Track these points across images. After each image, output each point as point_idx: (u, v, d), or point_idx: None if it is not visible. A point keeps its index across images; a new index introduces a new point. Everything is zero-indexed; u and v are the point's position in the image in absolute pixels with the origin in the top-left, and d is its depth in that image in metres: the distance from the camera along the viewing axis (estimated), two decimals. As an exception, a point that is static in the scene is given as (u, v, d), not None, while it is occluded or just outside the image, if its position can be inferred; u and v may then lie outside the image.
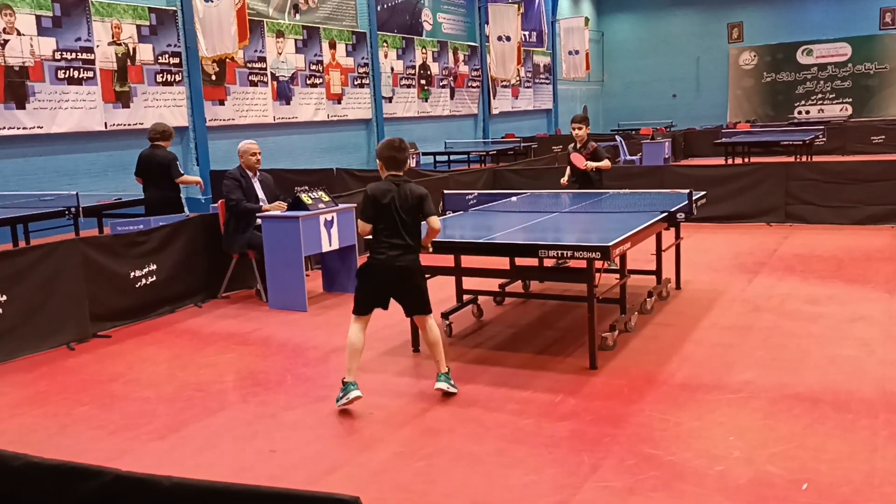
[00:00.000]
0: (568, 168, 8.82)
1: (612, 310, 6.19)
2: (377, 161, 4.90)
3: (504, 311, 6.98)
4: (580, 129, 8.57)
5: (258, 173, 7.82)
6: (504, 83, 26.95)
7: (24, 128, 12.34)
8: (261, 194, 7.73)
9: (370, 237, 4.88)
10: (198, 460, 4.20)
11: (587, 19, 30.10)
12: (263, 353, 6.08)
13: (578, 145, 8.59)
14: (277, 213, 7.40)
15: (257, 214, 7.49)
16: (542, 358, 5.59)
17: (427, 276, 5.10)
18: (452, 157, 21.98)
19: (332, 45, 19.23)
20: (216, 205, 8.06)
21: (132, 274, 7.08)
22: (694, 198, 6.71)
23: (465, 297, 6.68)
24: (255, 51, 16.87)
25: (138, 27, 14.16)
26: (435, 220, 4.82)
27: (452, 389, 4.90)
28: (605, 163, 8.59)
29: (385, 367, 5.58)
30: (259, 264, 7.62)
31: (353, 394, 4.71)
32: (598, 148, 8.62)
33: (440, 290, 7.03)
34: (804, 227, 10.58)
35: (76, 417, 4.90)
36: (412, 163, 19.46)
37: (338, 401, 4.76)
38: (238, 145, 7.93)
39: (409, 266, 4.79)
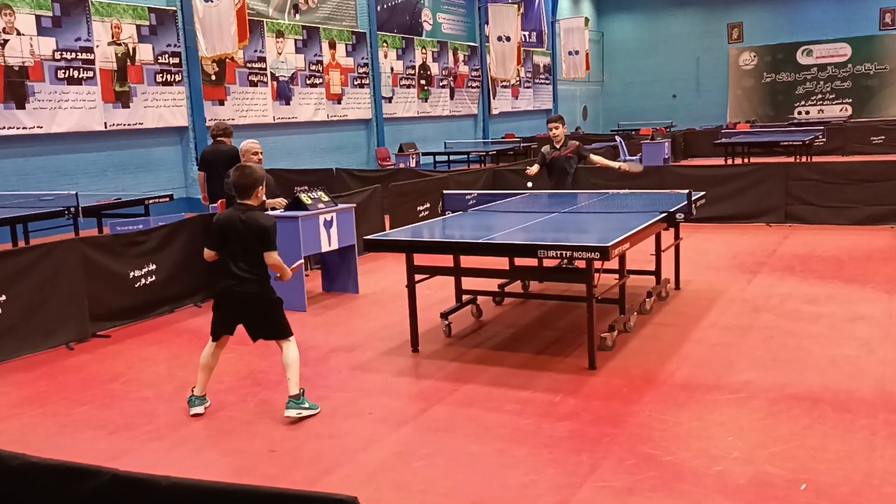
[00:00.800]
0: (536, 166, 8.59)
1: (611, 310, 6.19)
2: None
3: (503, 312, 6.98)
4: (557, 128, 8.50)
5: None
6: (504, 83, 26.96)
7: (23, 128, 12.34)
8: (261, 194, 7.72)
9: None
10: (197, 460, 4.20)
11: (587, 19, 30.12)
12: (262, 353, 6.08)
13: (558, 145, 8.49)
14: (278, 211, 7.40)
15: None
16: (541, 358, 5.59)
17: (425, 276, 5.07)
18: (452, 158, 21.99)
19: (332, 45, 19.23)
20: (216, 205, 8.06)
21: (132, 274, 7.08)
22: (693, 198, 6.71)
23: (465, 297, 6.68)
24: (255, 51, 16.87)
25: (138, 27, 14.17)
26: (272, 256, 4.64)
27: (304, 414, 4.68)
28: (600, 158, 8.63)
29: (384, 367, 5.58)
30: (259, 264, 7.60)
31: (195, 409, 4.82)
32: (578, 146, 8.63)
33: (440, 290, 7.04)
34: (804, 227, 10.59)
35: (76, 417, 4.90)
36: (412, 163, 19.49)
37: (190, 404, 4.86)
38: (239, 146, 7.92)
39: (251, 294, 4.68)
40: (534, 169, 8.46)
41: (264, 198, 5.00)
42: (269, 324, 4.78)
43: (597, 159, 8.63)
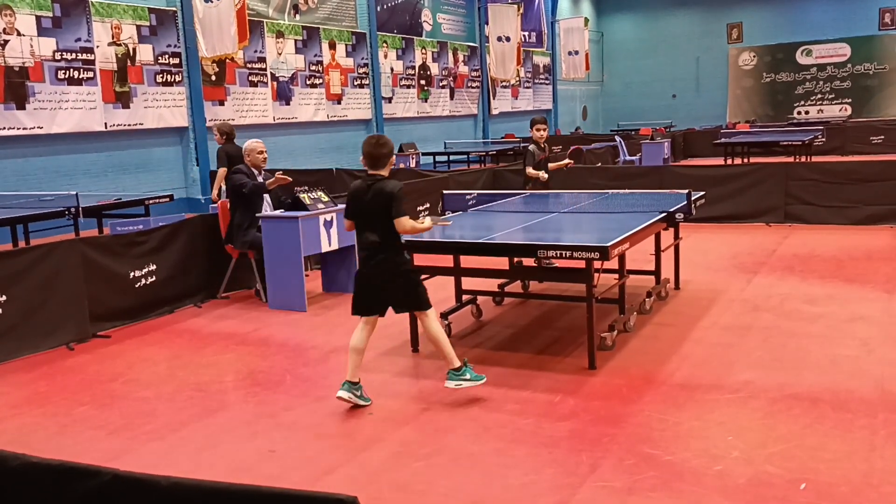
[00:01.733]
0: (529, 171, 8.60)
1: (611, 310, 6.19)
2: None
3: (503, 312, 6.98)
4: (545, 129, 8.57)
5: (263, 172, 7.81)
6: (504, 83, 26.96)
7: (24, 128, 12.34)
8: (265, 194, 7.72)
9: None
10: (197, 460, 4.20)
11: (587, 19, 30.12)
12: (263, 354, 6.08)
13: (542, 146, 8.52)
14: (278, 213, 7.41)
15: (258, 215, 7.49)
16: (541, 358, 5.59)
17: (424, 276, 5.08)
18: (452, 158, 21.98)
19: (332, 46, 19.24)
20: (216, 205, 8.06)
21: (132, 274, 7.09)
22: (693, 198, 6.71)
23: (465, 297, 6.68)
24: (255, 51, 16.88)
25: (138, 27, 14.17)
26: (401, 223, 4.64)
27: (463, 385, 4.77)
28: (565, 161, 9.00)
29: (384, 367, 5.58)
30: (258, 264, 7.62)
31: (342, 393, 4.74)
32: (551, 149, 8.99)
33: (440, 290, 7.03)
34: (804, 227, 10.59)
35: (76, 417, 4.90)
36: (412, 163, 19.48)
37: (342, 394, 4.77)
38: (244, 145, 7.92)
39: (382, 264, 4.68)
40: (543, 174, 8.50)
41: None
42: (405, 295, 4.76)
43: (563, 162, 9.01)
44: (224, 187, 9.15)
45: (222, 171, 9.57)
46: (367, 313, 4.83)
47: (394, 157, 4.85)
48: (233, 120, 16.33)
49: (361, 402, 4.77)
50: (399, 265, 4.76)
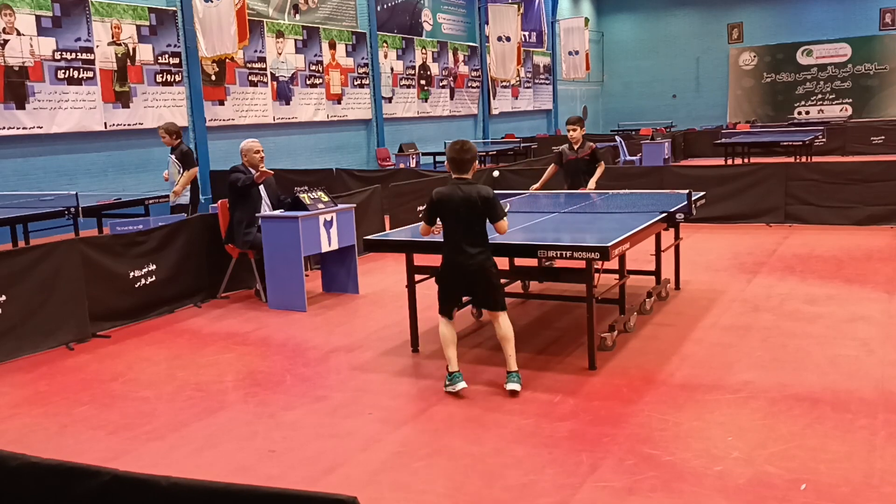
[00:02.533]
0: (546, 172, 8.66)
1: (611, 310, 6.19)
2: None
3: (503, 312, 6.97)
4: (574, 130, 8.44)
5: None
6: (504, 83, 26.95)
7: (23, 128, 12.34)
8: (263, 192, 7.72)
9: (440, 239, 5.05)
10: (197, 460, 4.20)
11: (587, 20, 30.11)
12: (263, 354, 6.08)
13: (575, 146, 8.50)
14: (278, 213, 7.41)
15: (258, 215, 7.49)
16: (541, 358, 5.59)
17: (425, 276, 5.12)
18: (452, 158, 21.92)
19: (332, 46, 19.23)
20: (216, 205, 8.06)
21: (132, 274, 7.09)
22: (693, 198, 6.71)
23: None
24: (255, 51, 16.87)
25: (138, 27, 14.17)
26: (503, 226, 4.90)
27: (517, 387, 4.91)
28: (599, 170, 8.51)
29: (384, 368, 5.58)
30: (258, 264, 7.62)
31: (459, 385, 4.90)
32: (595, 149, 8.54)
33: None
34: (804, 227, 10.59)
35: (76, 417, 4.90)
36: (412, 163, 19.49)
37: (445, 387, 4.97)
38: (240, 145, 7.93)
39: (479, 266, 4.89)
40: (537, 185, 8.53)
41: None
42: (492, 294, 4.98)
43: (597, 175, 8.53)
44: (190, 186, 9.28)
45: (194, 171, 9.37)
46: (451, 312, 5.05)
47: (477, 161, 5.04)
48: (232, 120, 16.35)
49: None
50: (494, 267, 5.00)
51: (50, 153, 12.91)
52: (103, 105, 13.56)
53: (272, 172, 7.64)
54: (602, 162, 8.59)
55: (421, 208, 10.76)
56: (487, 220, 4.90)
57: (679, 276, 7.52)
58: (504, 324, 5.00)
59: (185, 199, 9.39)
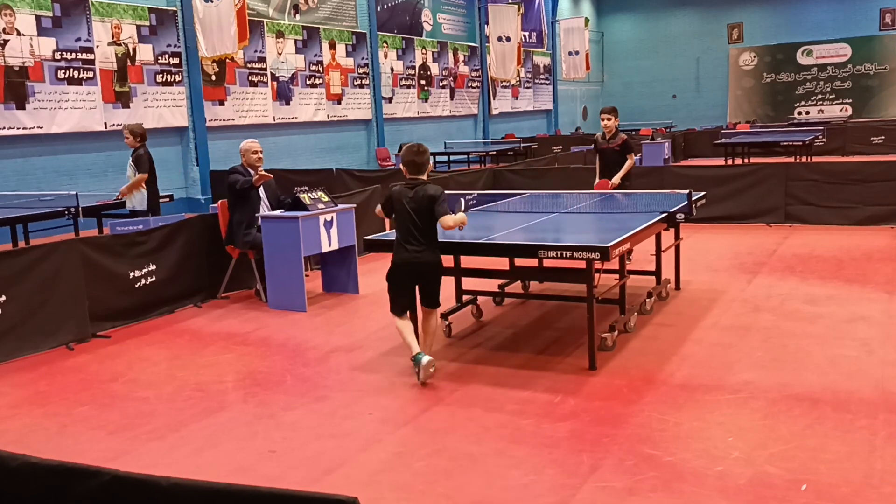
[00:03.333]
0: (598, 165, 8.79)
1: (611, 310, 6.19)
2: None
3: (503, 312, 6.98)
4: (609, 119, 8.57)
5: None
6: (504, 83, 26.96)
7: (23, 128, 12.34)
8: (262, 193, 7.72)
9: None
10: (197, 460, 4.20)
11: (587, 20, 30.12)
12: (263, 354, 6.08)
13: (608, 136, 8.58)
14: (278, 213, 7.40)
15: (258, 215, 7.48)
16: (541, 358, 5.59)
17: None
18: (452, 158, 21.99)
19: (332, 46, 19.24)
20: (216, 205, 8.06)
21: (132, 274, 7.08)
22: (693, 198, 6.71)
23: (465, 297, 6.68)
24: (255, 51, 16.88)
25: (138, 27, 14.17)
26: (447, 220, 5.06)
27: (424, 372, 5.08)
28: (627, 164, 8.55)
29: (385, 368, 5.58)
30: (259, 264, 7.62)
31: (425, 359, 5.07)
32: (626, 140, 8.62)
33: (440, 290, 7.03)
34: (804, 227, 10.58)
35: (76, 417, 4.90)
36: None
37: (418, 376, 5.13)
38: (239, 145, 7.93)
39: (428, 263, 5.20)
40: (598, 172, 8.77)
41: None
42: (436, 291, 5.33)
43: (624, 170, 8.56)
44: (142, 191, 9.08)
45: (142, 177, 9.04)
46: (402, 311, 5.28)
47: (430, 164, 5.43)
48: (232, 120, 16.35)
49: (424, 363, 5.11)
50: (439, 262, 5.28)
51: (50, 153, 12.92)
52: (103, 105, 13.56)
53: (271, 176, 7.64)
54: (631, 154, 8.62)
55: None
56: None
57: (679, 277, 7.52)
58: (434, 321, 5.40)
59: (141, 204, 9.07)
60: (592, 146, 8.96)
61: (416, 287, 5.32)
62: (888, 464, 3.76)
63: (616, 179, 8.45)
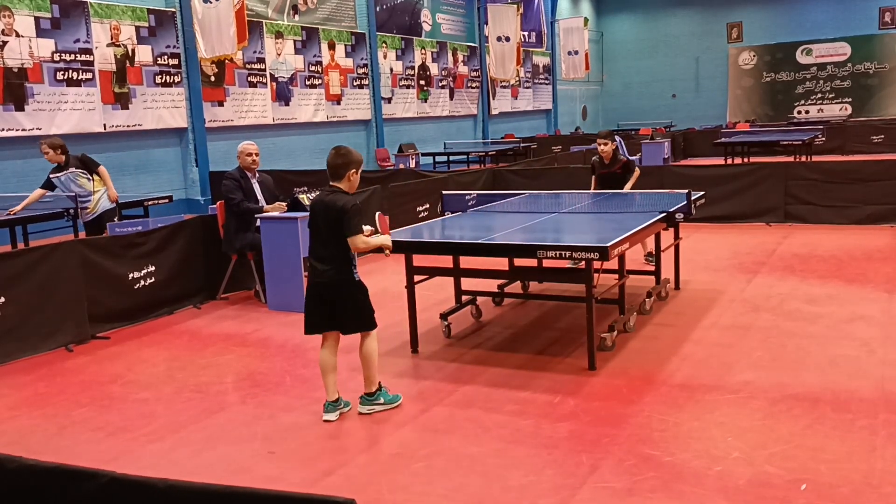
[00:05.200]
0: (593, 187, 8.61)
1: (611, 310, 6.19)
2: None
3: (503, 312, 6.97)
4: (605, 144, 8.30)
5: (257, 174, 7.80)
6: (503, 84, 26.96)
7: (23, 129, 12.34)
8: (259, 195, 7.72)
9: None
10: (196, 462, 4.19)
11: (586, 20, 30.12)
12: (262, 355, 6.08)
13: (606, 161, 8.40)
14: (277, 213, 7.40)
15: (257, 216, 7.48)
16: (540, 359, 5.59)
17: (424, 276, 5.00)
18: (452, 158, 21.99)
19: (332, 46, 19.23)
20: (215, 206, 8.06)
21: (131, 275, 7.08)
22: (693, 198, 6.71)
23: (464, 297, 6.67)
24: (254, 52, 16.87)
25: (137, 28, 14.16)
26: (358, 241, 4.45)
27: (377, 409, 4.66)
28: (634, 176, 8.37)
29: (384, 368, 5.56)
30: (258, 265, 7.62)
31: (327, 415, 4.65)
32: (628, 161, 8.48)
33: (440, 291, 7.04)
34: (804, 226, 10.58)
35: (75, 419, 4.90)
36: (412, 163, 19.49)
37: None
38: (238, 146, 7.92)
39: (329, 280, 4.53)
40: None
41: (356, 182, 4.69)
42: (350, 313, 4.58)
43: (632, 181, 8.39)
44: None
45: (104, 171, 8.50)
46: (321, 331, 4.66)
47: (356, 170, 4.59)
48: (231, 121, 16.35)
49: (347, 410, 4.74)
50: (349, 282, 4.57)
51: (49, 154, 12.88)
52: (102, 106, 13.56)
53: (285, 207, 7.48)
54: (637, 169, 8.49)
55: (420, 208, 10.82)
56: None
57: (679, 276, 7.51)
58: (367, 346, 4.64)
59: (107, 201, 8.51)
60: (590, 168, 8.73)
61: (331, 310, 4.59)
62: (888, 464, 3.76)
63: (627, 188, 8.35)
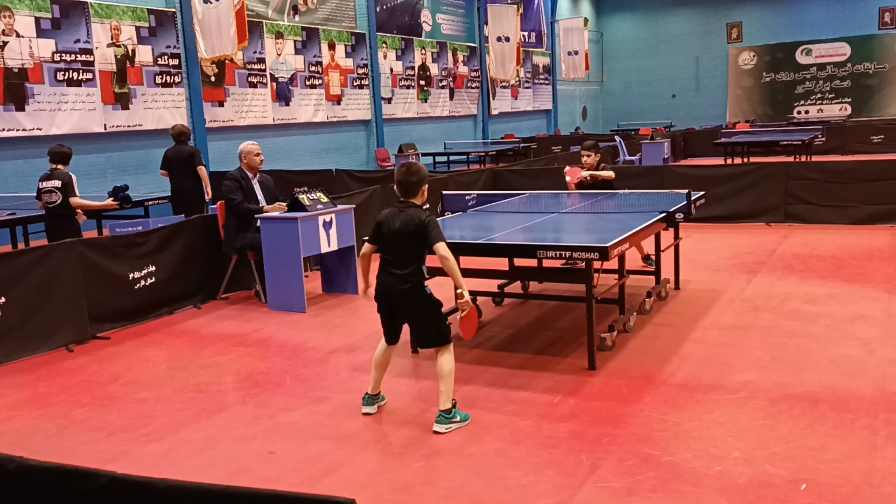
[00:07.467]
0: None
1: (610, 310, 6.19)
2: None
3: (503, 312, 6.97)
4: (588, 156, 8.07)
5: (258, 174, 7.81)
6: (503, 84, 26.95)
7: (23, 129, 12.34)
8: (260, 196, 7.72)
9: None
10: (196, 462, 4.19)
11: (586, 20, 30.11)
12: (262, 355, 6.08)
13: (588, 181, 8.24)
14: (277, 213, 7.40)
15: (257, 216, 7.48)
16: (540, 358, 5.59)
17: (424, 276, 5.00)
18: (452, 158, 21.99)
19: (332, 46, 19.23)
20: (215, 206, 8.06)
21: (131, 275, 7.08)
22: (693, 198, 6.71)
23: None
24: (255, 52, 16.87)
25: (137, 29, 14.16)
26: (441, 248, 4.42)
27: (444, 430, 4.42)
28: (607, 173, 8.11)
29: (384, 368, 5.57)
30: (258, 265, 7.62)
31: (366, 408, 4.73)
32: (603, 167, 8.34)
33: (440, 291, 7.00)
34: (804, 226, 10.58)
35: (75, 419, 4.89)
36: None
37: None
38: (239, 147, 7.92)
39: (403, 293, 4.52)
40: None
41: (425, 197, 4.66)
42: (426, 329, 4.60)
43: (605, 175, 8.28)
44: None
45: (164, 174, 9.41)
46: (390, 338, 4.71)
47: (426, 186, 4.61)
48: (231, 121, 16.34)
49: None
50: (423, 291, 4.57)
51: (49, 154, 12.88)
52: (103, 106, 13.56)
53: (285, 207, 7.50)
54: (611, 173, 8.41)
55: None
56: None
57: (679, 276, 7.51)
58: (443, 362, 4.50)
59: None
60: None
61: (397, 317, 4.65)
62: (888, 463, 3.75)
63: (588, 174, 8.11)
